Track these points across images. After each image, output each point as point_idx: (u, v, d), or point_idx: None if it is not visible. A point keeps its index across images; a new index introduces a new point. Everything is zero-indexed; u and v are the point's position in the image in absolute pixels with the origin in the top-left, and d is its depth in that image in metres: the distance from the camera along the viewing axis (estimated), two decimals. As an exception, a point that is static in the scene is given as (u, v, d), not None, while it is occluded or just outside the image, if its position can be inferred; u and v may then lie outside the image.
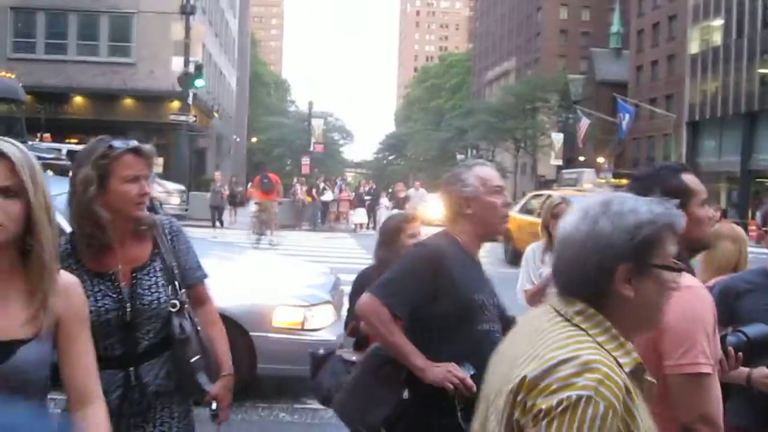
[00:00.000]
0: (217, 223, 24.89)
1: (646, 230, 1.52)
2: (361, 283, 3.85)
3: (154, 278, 2.56)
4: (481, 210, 2.76)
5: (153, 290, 2.53)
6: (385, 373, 2.71)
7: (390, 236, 4.02)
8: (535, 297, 4.24)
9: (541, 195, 18.06)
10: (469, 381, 2.52)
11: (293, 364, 5.45)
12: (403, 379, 2.65)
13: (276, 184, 20.76)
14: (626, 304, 1.54)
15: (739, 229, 3.95)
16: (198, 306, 2.74)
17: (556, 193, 10.28)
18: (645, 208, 1.55)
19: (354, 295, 3.91)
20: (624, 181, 52.30)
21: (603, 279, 1.54)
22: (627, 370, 1.46)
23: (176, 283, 2.60)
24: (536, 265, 4.72)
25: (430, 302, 2.66)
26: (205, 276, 2.79)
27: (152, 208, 3.52)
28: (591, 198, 1.62)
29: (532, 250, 4.82)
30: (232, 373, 2.77)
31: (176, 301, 2.56)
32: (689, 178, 2.23)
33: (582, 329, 1.51)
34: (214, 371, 2.67)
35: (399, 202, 26.72)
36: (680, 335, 2.00)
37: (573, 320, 1.53)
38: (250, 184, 31.43)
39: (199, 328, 2.62)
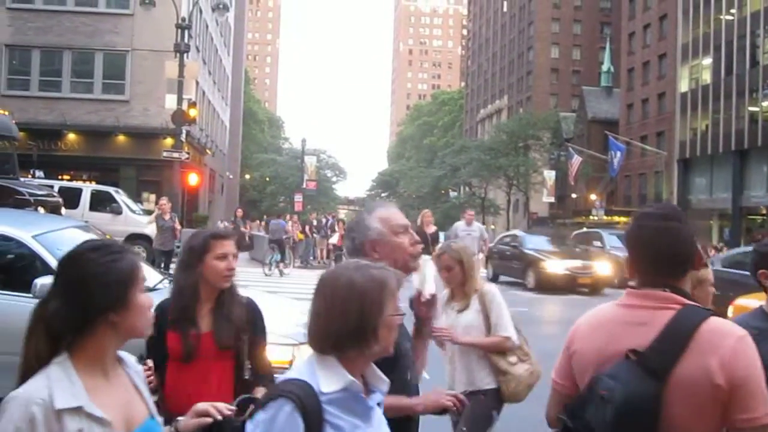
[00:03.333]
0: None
1: None
2: (159, 315, 3.12)
3: None
4: (389, 252, 2.66)
5: None
6: None
7: (194, 257, 3.30)
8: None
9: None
10: (460, 395, 2.76)
11: (281, 404, 5.39)
12: None
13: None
14: None
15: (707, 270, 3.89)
16: None
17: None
18: None
19: (156, 330, 3.14)
20: (617, 219, 52.53)
21: None
22: None
23: None
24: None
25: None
26: None
27: None
28: None
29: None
30: None
31: None
32: None
33: None
34: None
35: (427, 241, 14.30)
36: (754, 386, 1.98)
37: None
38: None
39: None
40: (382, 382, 2.09)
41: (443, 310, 4.55)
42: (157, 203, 18.36)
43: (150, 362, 3.08)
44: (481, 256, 17.87)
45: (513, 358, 4.55)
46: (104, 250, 1.91)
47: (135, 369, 2.05)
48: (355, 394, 1.98)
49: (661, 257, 2.18)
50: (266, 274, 22.62)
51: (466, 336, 4.48)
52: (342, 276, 2.02)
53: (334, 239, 28.18)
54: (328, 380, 1.94)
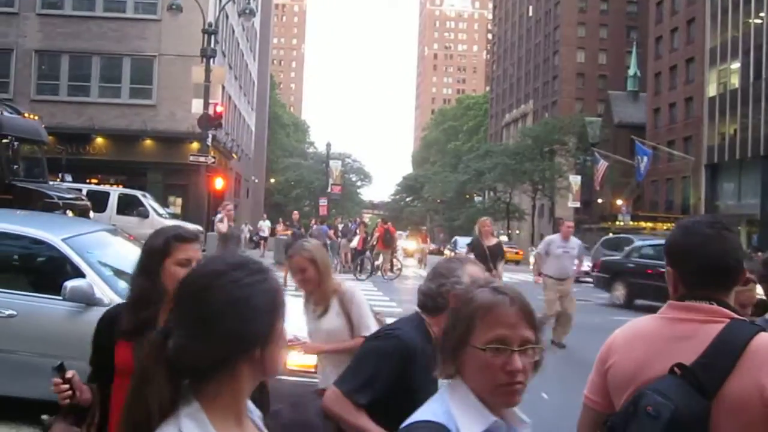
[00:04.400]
0: None
1: None
2: (109, 323, 2.86)
3: None
4: None
5: None
6: None
7: (153, 260, 2.81)
8: None
9: None
10: None
11: (306, 407, 5.39)
12: None
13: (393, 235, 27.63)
14: None
15: None
16: None
17: None
18: None
19: (98, 336, 2.90)
20: (643, 224, 52.08)
21: None
22: None
23: None
24: None
25: (393, 394, 2.71)
26: None
27: None
28: None
29: None
30: None
31: None
32: None
33: None
34: None
35: (486, 256, 11.77)
36: None
37: None
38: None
39: None
40: (523, 424, 1.80)
41: (305, 314, 4.36)
42: (174, 206, 17.45)
43: (71, 372, 2.58)
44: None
45: None
46: (247, 267, 1.50)
47: (255, 411, 1.65)
48: None
49: (711, 268, 2.07)
50: None
51: (326, 343, 4.27)
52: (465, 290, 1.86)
53: (354, 243, 28.19)
54: (468, 422, 1.66)
